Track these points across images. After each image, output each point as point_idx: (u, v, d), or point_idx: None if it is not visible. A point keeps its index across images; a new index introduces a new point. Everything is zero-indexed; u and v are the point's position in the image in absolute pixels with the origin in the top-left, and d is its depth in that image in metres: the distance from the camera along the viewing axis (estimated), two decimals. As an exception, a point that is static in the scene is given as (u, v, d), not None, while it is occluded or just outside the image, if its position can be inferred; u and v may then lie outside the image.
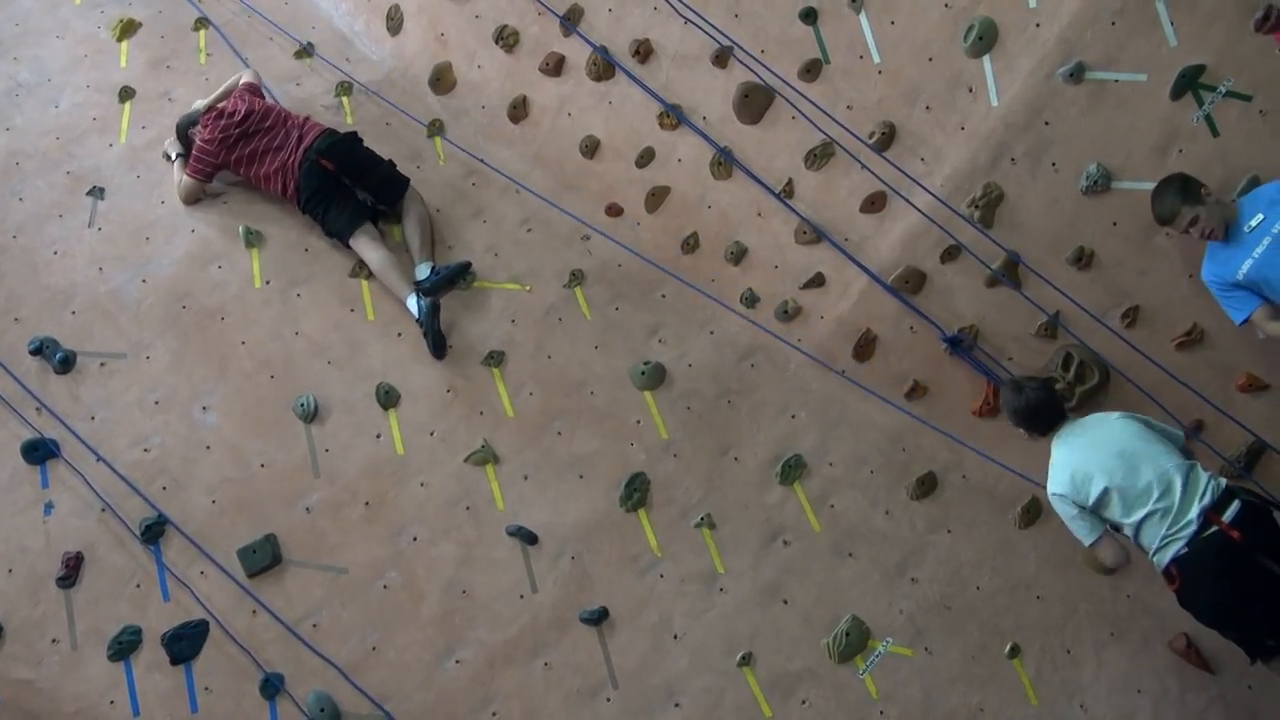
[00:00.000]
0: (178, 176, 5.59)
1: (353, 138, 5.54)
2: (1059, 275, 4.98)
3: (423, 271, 5.40)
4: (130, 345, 5.09)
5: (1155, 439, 4.21)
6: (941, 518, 5.18)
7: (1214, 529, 3.98)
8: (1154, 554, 4.13)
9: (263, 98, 5.77)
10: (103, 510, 4.64)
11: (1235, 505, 3.99)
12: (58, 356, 4.95)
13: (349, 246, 5.39)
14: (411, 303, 5.21)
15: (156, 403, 4.95)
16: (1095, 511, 4.20)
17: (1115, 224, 4.84)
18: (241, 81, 5.78)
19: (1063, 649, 4.90)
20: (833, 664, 4.76)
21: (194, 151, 5.49)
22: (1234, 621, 4.18)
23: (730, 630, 4.79)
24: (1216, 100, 4.53)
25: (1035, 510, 5.18)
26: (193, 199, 5.56)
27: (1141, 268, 4.90)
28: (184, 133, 5.63)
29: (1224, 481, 4.09)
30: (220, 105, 5.58)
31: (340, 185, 5.40)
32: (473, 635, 4.64)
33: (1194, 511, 4.01)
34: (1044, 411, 4.37)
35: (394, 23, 6.39)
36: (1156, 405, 4.94)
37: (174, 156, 5.67)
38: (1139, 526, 4.12)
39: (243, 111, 5.49)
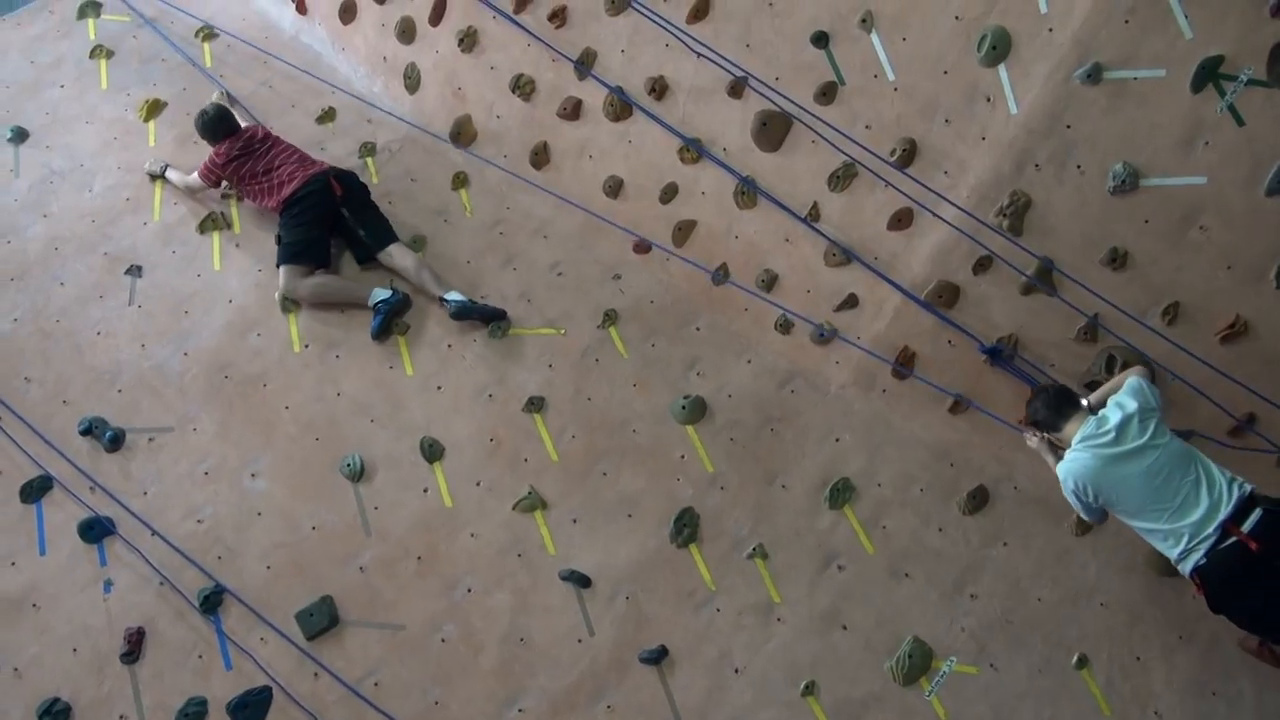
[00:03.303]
0: (177, 178, 5.96)
1: (363, 185, 5.90)
2: (1094, 277, 4.93)
3: (454, 294, 5.52)
4: (177, 418, 5.18)
5: (1187, 464, 4.13)
6: (996, 531, 5.13)
7: (1233, 539, 3.95)
8: (1176, 562, 4.15)
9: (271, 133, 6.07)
10: (161, 584, 4.69)
11: (1256, 514, 3.99)
12: (107, 435, 5.04)
13: (292, 264, 5.56)
14: (376, 293, 5.51)
15: (206, 473, 5.01)
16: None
17: (1147, 221, 4.80)
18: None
19: (1131, 656, 4.82)
20: (898, 687, 4.70)
21: (207, 160, 5.82)
22: (1265, 626, 4.15)
23: (791, 660, 4.75)
24: (1239, 89, 4.49)
25: (1091, 516, 5.12)
26: (194, 192, 5.98)
27: (1178, 263, 4.84)
28: (212, 130, 5.87)
29: (1248, 489, 4.06)
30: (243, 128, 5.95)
31: (333, 214, 5.67)
32: (534, 683, 4.63)
33: (1212, 526, 3.99)
34: (1049, 420, 4.46)
35: (412, 81, 6.49)
36: (1206, 400, 4.88)
37: (159, 170, 6.03)
38: (1149, 536, 4.20)
39: (260, 134, 5.88)
